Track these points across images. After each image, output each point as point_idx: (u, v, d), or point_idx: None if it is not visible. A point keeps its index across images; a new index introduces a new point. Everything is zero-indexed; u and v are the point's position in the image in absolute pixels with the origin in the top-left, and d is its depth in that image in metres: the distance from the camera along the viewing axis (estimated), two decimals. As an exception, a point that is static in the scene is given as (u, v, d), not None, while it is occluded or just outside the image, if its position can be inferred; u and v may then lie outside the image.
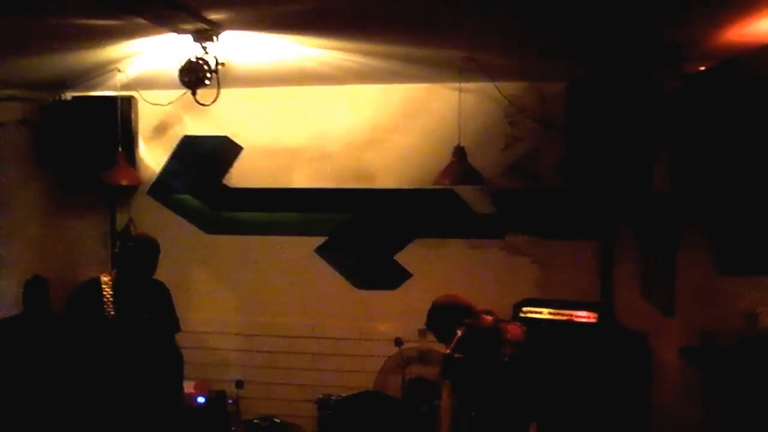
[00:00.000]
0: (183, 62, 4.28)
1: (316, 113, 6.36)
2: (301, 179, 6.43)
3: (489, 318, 4.32)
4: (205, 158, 6.58)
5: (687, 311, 4.67)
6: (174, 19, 3.85)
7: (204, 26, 3.99)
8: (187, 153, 6.62)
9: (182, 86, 4.49)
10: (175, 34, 4.17)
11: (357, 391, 5.88)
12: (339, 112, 6.32)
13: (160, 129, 6.61)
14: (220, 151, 6.54)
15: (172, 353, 4.88)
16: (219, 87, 4.45)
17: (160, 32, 4.12)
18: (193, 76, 4.24)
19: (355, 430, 5.74)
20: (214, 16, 3.85)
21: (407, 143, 6.19)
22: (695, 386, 4.51)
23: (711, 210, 4.30)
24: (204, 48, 4.22)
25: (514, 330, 4.27)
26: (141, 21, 3.79)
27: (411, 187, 6.21)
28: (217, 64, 4.31)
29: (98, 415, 4.62)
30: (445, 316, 4.28)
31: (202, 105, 4.56)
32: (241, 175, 6.53)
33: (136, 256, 4.77)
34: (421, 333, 6.01)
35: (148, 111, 6.41)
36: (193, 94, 4.41)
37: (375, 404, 5.77)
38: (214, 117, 6.32)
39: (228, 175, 6.55)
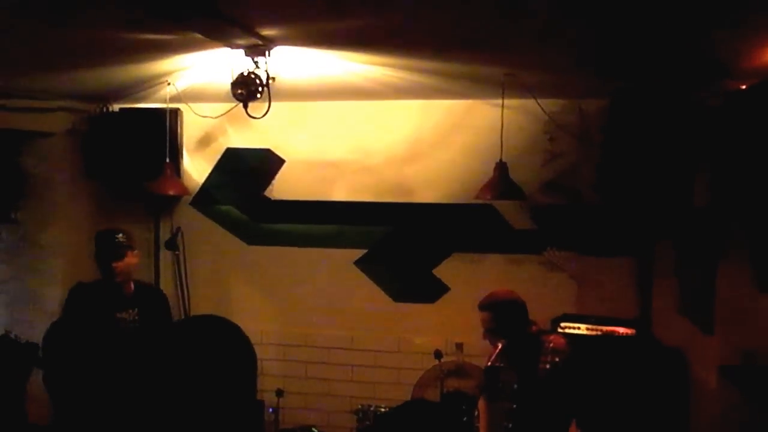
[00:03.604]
0: (235, 76, 4.36)
1: (357, 127, 6.43)
2: (341, 192, 6.51)
3: (534, 328, 4.35)
4: (247, 170, 6.67)
5: (726, 329, 4.66)
6: (229, 34, 3.94)
7: (257, 41, 4.06)
8: (230, 165, 6.71)
9: (230, 99, 4.57)
10: (227, 49, 4.26)
11: (398, 403, 5.88)
12: (380, 127, 6.39)
13: (204, 141, 6.72)
14: (263, 164, 6.63)
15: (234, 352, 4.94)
16: (270, 101, 4.51)
17: (213, 46, 4.21)
18: (246, 89, 4.30)
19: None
20: (267, 32, 3.92)
21: (447, 158, 6.24)
22: (734, 405, 4.51)
23: (751, 227, 4.32)
24: (255, 62, 4.30)
25: (557, 340, 4.29)
26: (197, 36, 3.88)
27: (450, 202, 6.26)
28: (268, 78, 4.38)
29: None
30: (505, 304, 4.28)
31: (253, 118, 4.64)
32: (283, 187, 6.62)
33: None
34: (458, 347, 6.06)
35: (192, 123, 6.52)
36: (245, 107, 4.48)
37: (420, 413, 5.76)
38: (257, 130, 6.42)
39: (270, 188, 6.64)
